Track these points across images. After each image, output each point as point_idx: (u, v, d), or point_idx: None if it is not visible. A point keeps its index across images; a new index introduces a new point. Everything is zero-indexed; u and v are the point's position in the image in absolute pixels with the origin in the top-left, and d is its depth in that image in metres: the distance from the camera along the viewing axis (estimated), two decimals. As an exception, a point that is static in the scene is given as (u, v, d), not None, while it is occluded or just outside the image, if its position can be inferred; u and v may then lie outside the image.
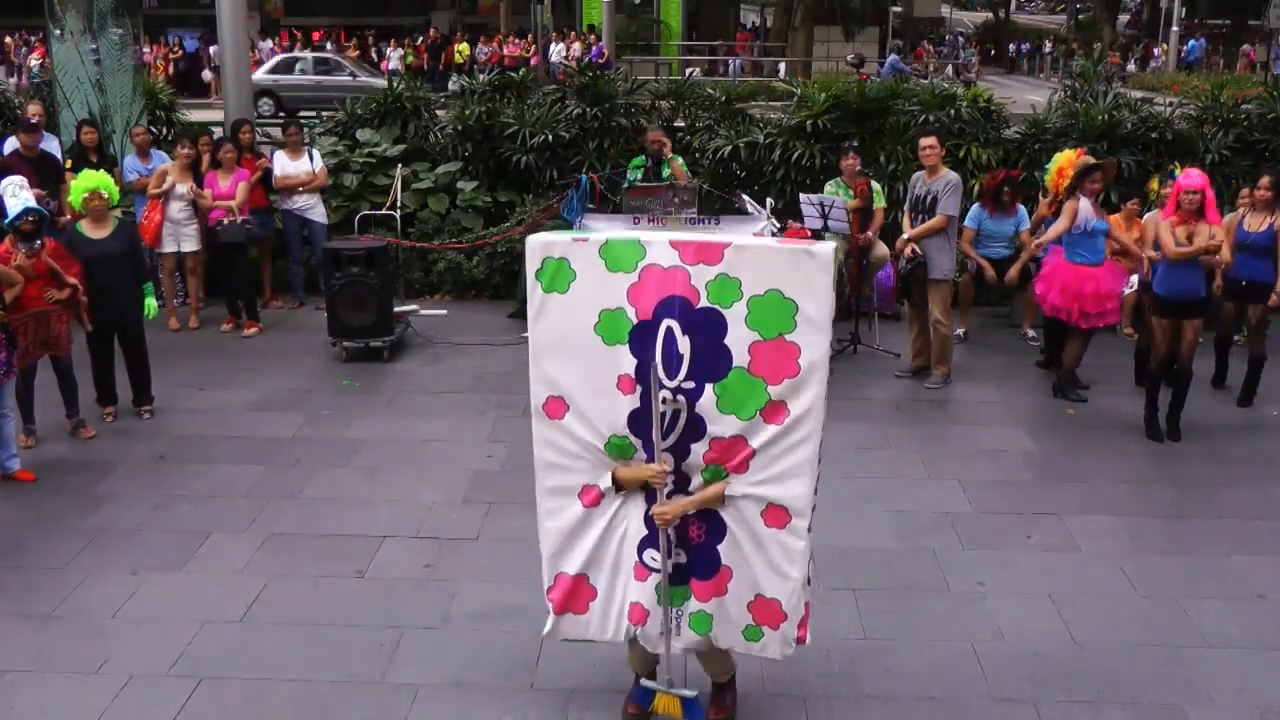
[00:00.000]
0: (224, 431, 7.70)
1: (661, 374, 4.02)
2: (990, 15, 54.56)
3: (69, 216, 8.56)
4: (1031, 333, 9.60)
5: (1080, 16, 51.39)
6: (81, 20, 10.97)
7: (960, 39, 49.37)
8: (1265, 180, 7.86)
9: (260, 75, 27.70)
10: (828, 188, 9.36)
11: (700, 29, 38.09)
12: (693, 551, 4.20)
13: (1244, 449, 7.42)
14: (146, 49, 26.64)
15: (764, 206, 9.80)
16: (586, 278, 4.07)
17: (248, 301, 9.92)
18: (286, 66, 27.96)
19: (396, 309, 9.56)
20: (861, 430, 7.59)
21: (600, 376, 4.11)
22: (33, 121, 9.92)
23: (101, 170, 8.12)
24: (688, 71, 28.42)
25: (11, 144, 9.77)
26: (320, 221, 10.53)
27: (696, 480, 4.12)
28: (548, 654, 5.01)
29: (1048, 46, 44.39)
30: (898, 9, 41.78)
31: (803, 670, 4.89)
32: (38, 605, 5.47)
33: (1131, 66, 37.43)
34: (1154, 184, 9.34)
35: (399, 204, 10.83)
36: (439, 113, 12.24)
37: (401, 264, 10.85)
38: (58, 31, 11.00)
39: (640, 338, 4.05)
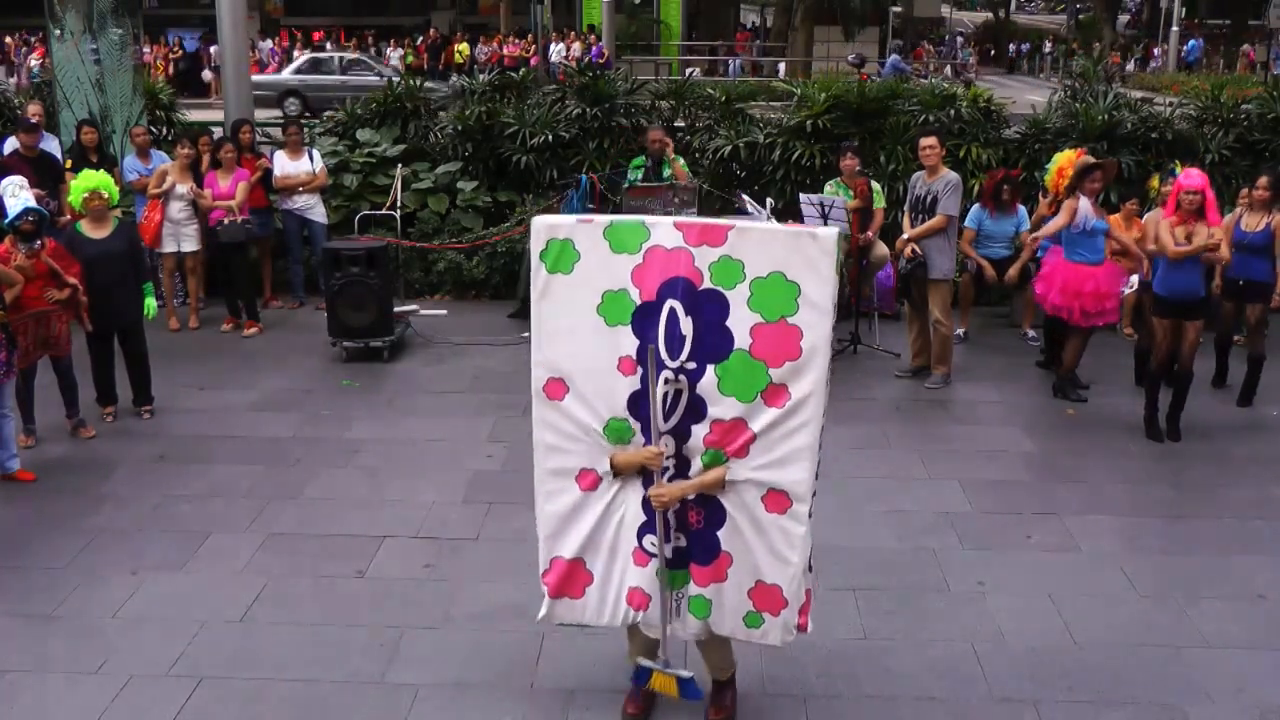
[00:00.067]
0: (224, 431, 7.70)
1: (664, 354, 4.02)
2: (990, 15, 54.56)
3: (69, 216, 8.56)
4: (1031, 333, 9.60)
5: (1080, 16, 51.39)
6: (81, 20, 10.98)
7: (960, 39, 49.38)
8: (1263, 180, 7.87)
9: (287, 75, 27.81)
10: (828, 188, 9.36)
11: (700, 29, 38.10)
12: (692, 536, 4.20)
13: (1244, 449, 7.42)
14: (146, 49, 26.65)
15: (764, 206, 9.81)
16: (590, 259, 4.08)
17: (248, 301, 9.92)
18: (313, 66, 27.92)
19: (396, 309, 9.55)
20: (861, 430, 7.59)
21: (601, 358, 4.11)
22: (33, 121, 9.92)
23: (101, 170, 8.12)
24: (688, 71, 28.42)
25: (11, 144, 9.77)
26: (320, 221, 10.53)
27: (696, 464, 4.12)
28: (548, 654, 5.01)
29: (1048, 46, 44.41)
30: (898, 9, 41.79)
31: (803, 670, 4.89)
32: (38, 605, 5.47)
33: (1131, 66, 37.42)
34: (1154, 182, 9.34)
35: (399, 204, 10.83)
36: (440, 114, 12.23)
37: (401, 264, 10.85)
38: (58, 31, 11.00)
39: (643, 319, 4.06)
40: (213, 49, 27.44)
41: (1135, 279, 8.78)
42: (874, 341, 9.41)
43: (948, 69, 35.71)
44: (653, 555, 4.21)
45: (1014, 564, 5.88)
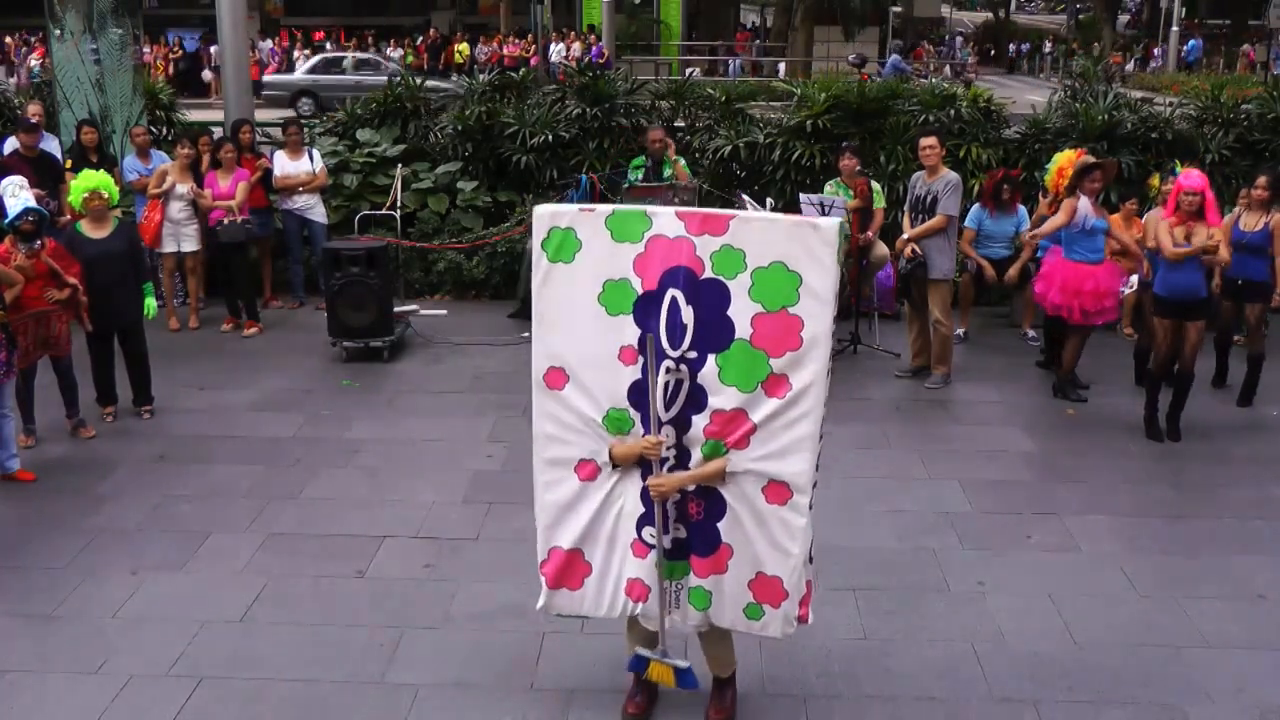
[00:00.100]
0: (224, 431, 7.70)
1: (665, 344, 4.03)
2: (990, 15, 54.56)
3: (69, 216, 8.56)
4: (1031, 333, 9.60)
5: (1080, 16, 51.40)
6: (81, 20, 10.97)
7: (959, 39, 49.39)
8: (1262, 180, 7.88)
9: (300, 75, 27.79)
10: (828, 188, 9.36)
11: (700, 29, 38.11)
12: (692, 528, 4.20)
13: (1244, 449, 7.42)
14: (146, 49, 26.64)
15: (764, 206, 9.81)
16: (592, 248, 4.08)
17: (248, 301, 9.92)
18: (327, 66, 27.90)
19: (396, 309, 9.56)
20: (861, 430, 7.59)
21: (602, 347, 4.11)
22: (33, 121, 9.92)
23: (101, 170, 8.12)
24: (688, 71, 28.42)
25: (11, 144, 9.77)
26: (320, 221, 10.53)
27: (696, 455, 4.11)
28: (548, 654, 5.01)
29: (1048, 46, 44.41)
30: (898, 9, 41.81)
31: (803, 670, 4.90)
32: (38, 605, 5.47)
33: (1131, 66, 37.43)
34: (1154, 180, 9.34)
35: (399, 204, 10.83)
36: (440, 113, 12.22)
37: (401, 264, 10.85)
38: (58, 31, 11.00)
39: (644, 308, 4.06)
40: (213, 49, 27.44)
41: (1135, 279, 8.78)
42: (874, 341, 9.41)
43: (947, 69, 35.71)
44: (652, 547, 4.20)
45: (1014, 564, 5.88)
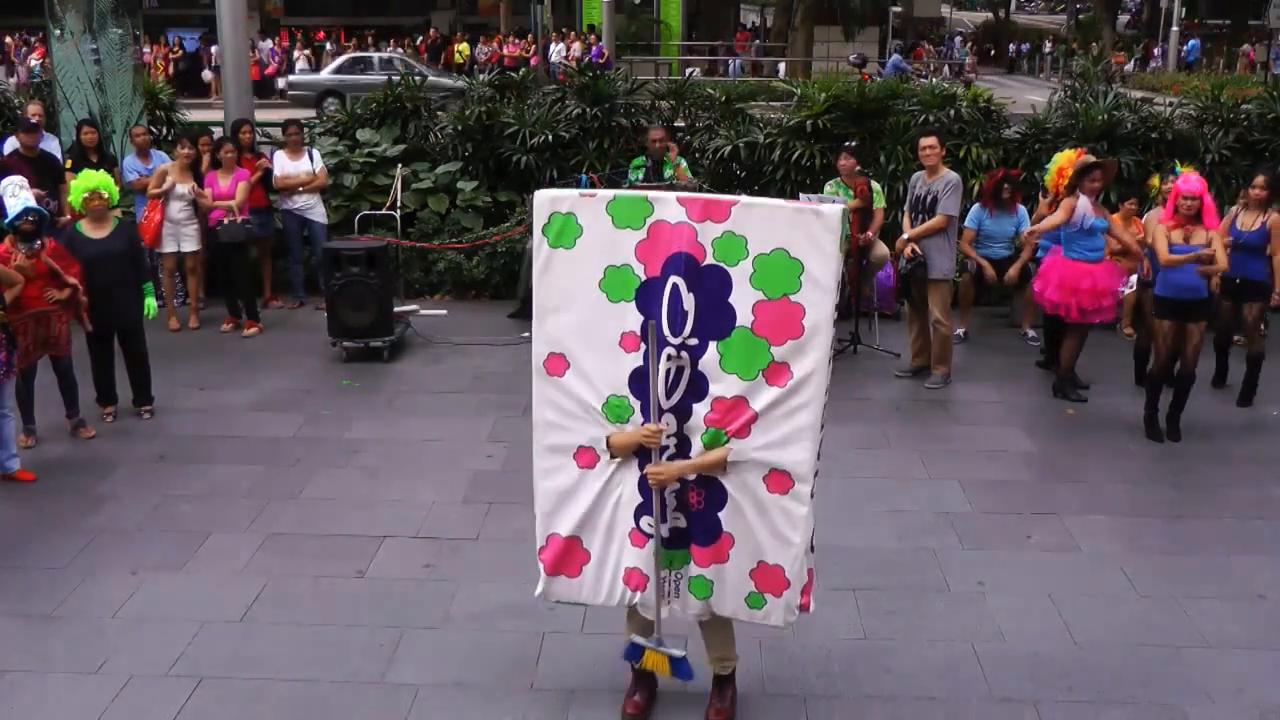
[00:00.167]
0: (224, 431, 7.70)
1: (666, 330, 4.02)
2: (990, 15, 54.57)
3: (69, 216, 8.56)
4: (1031, 333, 9.60)
5: (1080, 16, 51.41)
6: (81, 20, 10.98)
7: (958, 39, 49.40)
8: (1260, 180, 7.90)
9: (326, 75, 27.80)
10: (828, 188, 9.36)
11: (700, 29, 38.11)
12: (693, 517, 4.19)
13: (1244, 449, 7.42)
14: (146, 49, 26.64)
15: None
16: (592, 234, 4.08)
17: (248, 301, 9.92)
18: (353, 66, 27.85)
19: (396, 309, 9.55)
20: (861, 430, 7.59)
21: (603, 334, 4.11)
22: (33, 121, 9.92)
23: (101, 170, 8.12)
24: (688, 71, 28.43)
25: (11, 144, 9.77)
26: (320, 221, 10.53)
27: (696, 444, 4.10)
28: (548, 654, 5.01)
29: (1048, 46, 44.42)
30: (898, 9, 41.82)
31: (803, 670, 4.89)
32: (38, 605, 5.47)
33: (1131, 66, 37.44)
34: (1155, 181, 9.34)
35: (399, 204, 10.83)
36: (440, 113, 12.23)
37: (401, 264, 10.85)
38: (58, 31, 11.00)
39: (646, 294, 4.05)
40: (213, 49, 27.45)
41: (1134, 278, 8.78)
42: (874, 341, 9.41)
43: (946, 69, 35.72)
44: (649, 536, 4.20)
45: (1014, 564, 5.88)
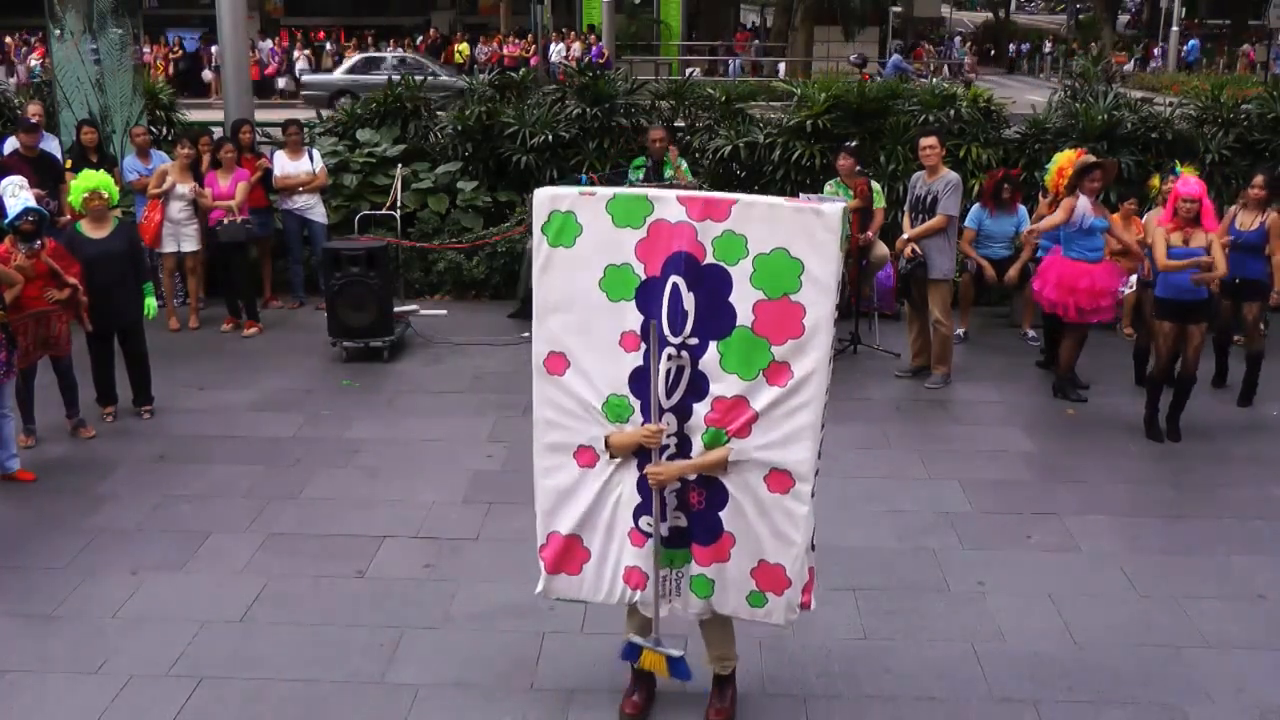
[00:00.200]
0: (224, 431, 7.70)
1: (666, 330, 4.01)
2: (990, 15, 54.57)
3: (69, 216, 8.56)
4: (1031, 333, 9.60)
5: (1080, 16, 51.41)
6: (81, 20, 10.98)
7: (957, 38, 49.41)
8: (1259, 179, 7.91)
9: (339, 75, 27.78)
10: (828, 188, 9.36)
11: (700, 29, 38.11)
12: (694, 516, 4.19)
13: (1244, 449, 7.42)
14: (146, 49, 26.63)
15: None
16: (592, 232, 4.07)
17: (248, 301, 9.92)
18: (366, 66, 27.81)
19: (396, 309, 9.55)
20: (861, 430, 7.59)
21: (603, 333, 4.10)
22: (33, 121, 9.92)
23: (101, 170, 8.12)
24: (688, 71, 28.42)
25: (11, 144, 9.77)
26: (320, 221, 10.53)
27: (697, 443, 4.10)
28: (548, 654, 5.01)
29: (1048, 46, 44.42)
30: (898, 9, 41.79)
31: (803, 670, 4.89)
32: (38, 605, 5.47)
33: (1130, 66, 37.44)
34: (1155, 181, 9.34)
35: (399, 204, 10.83)
36: (440, 113, 12.23)
37: (401, 264, 10.85)
38: (58, 31, 11.00)
39: (646, 294, 4.04)
40: (213, 49, 27.45)
41: (1134, 278, 8.78)
42: (874, 341, 9.41)
43: (945, 69, 35.72)
44: (649, 535, 4.20)
45: (1014, 564, 5.88)
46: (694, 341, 4.03)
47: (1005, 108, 11.59)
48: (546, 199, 4.13)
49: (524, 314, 9.33)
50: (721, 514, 4.16)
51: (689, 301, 4.00)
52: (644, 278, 4.04)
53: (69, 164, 9.80)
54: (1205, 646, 5.13)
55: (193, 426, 7.77)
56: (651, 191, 4.10)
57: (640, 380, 4.09)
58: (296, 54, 32.08)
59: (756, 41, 39.10)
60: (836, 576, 5.52)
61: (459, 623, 5.32)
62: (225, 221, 9.64)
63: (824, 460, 4.17)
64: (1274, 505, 6.60)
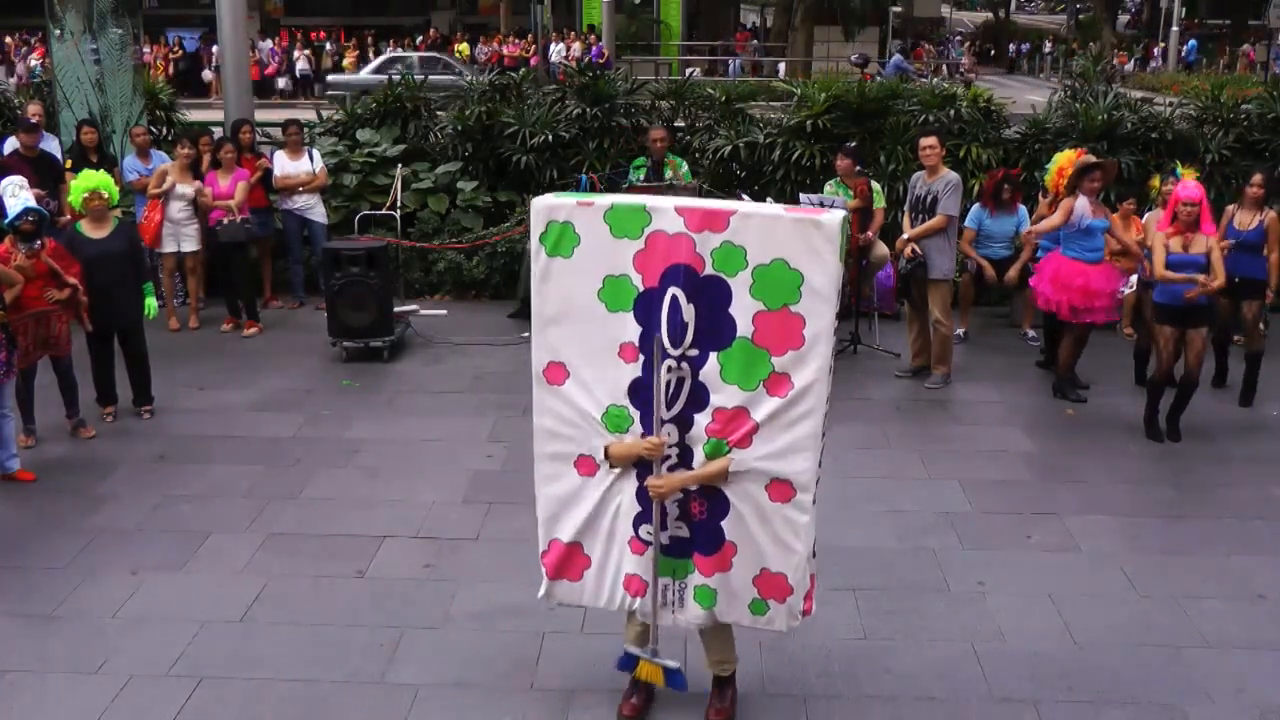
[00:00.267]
0: (224, 431, 7.70)
1: (666, 342, 4.01)
2: (990, 15, 54.58)
3: (69, 216, 8.56)
4: (1031, 333, 9.60)
5: (1080, 16, 51.42)
6: (81, 20, 10.98)
7: (957, 38, 49.43)
8: (1257, 178, 7.91)
9: (365, 75, 27.73)
10: (828, 188, 9.36)
11: (700, 29, 38.10)
12: (695, 527, 4.19)
13: (1244, 449, 7.42)
14: (146, 49, 26.62)
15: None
16: (590, 243, 4.06)
17: (248, 301, 9.92)
18: (391, 65, 27.78)
19: (396, 309, 9.55)
20: (861, 430, 7.59)
21: (601, 344, 4.10)
22: (33, 121, 9.92)
23: (101, 170, 8.12)
24: (688, 71, 28.40)
25: (11, 144, 9.77)
26: (320, 221, 10.53)
27: (699, 454, 4.10)
28: (548, 654, 5.01)
29: (1048, 46, 44.43)
30: (898, 9, 41.78)
31: (803, 670, 4.90)
32: (38, 605, 5.47)
33: (1130, 66, 37.45)
34: (1155, 182, 9.34)
35: (399, 204, 10.83)
36: (440, 113, 12.23)
37: (401, 264, 10.85)
38: (58, 31, 11.00)
39: (645, 305, 4.04)
40: (213, 49, 27.44)
41: (1134, 278, 8.78)
42: (874, 341, 9.41)
43: (945, 69, 35.72)
44: (649, 544, 4.20)
45: (1014, 564, 5.88)
46: (694, 353, 4.03)
47: (1005, 108, 11.59)
48: (544, 209, 4.11)
49: (524, 314, 9.32)
50: (723, 523, 4.16)
51: (688, 313, 3.99)
52: (641, 289, 4.04)
53: (69, 164, 9.81)
54: (1205, 646, 5.13)
55: (193, 426, 7.77)
56: (650, 201, 4.06)
57: (639, 391, 4.09)
58: (296, 54, 32.08)
59: (756, 41, 39.11)
60: (836, 576, 5.52)
61: (459, 623, 5.32)
62: (225, 221, 9.64)
63: (824, 460, 4.17)
64: (1274, 505, 6.60)
